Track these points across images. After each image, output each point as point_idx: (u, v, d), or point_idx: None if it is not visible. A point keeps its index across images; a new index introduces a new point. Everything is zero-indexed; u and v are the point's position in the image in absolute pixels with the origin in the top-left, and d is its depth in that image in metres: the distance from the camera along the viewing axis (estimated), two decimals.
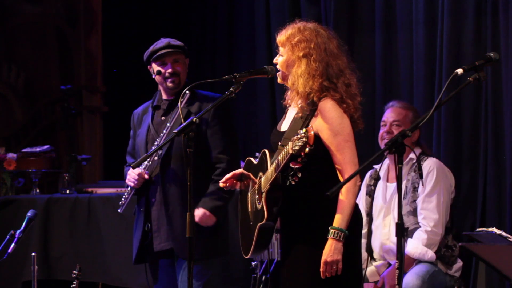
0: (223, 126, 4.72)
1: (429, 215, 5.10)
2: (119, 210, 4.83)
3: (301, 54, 3.93)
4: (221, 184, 4.09)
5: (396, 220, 5.08)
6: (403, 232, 3.43)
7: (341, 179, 3.86)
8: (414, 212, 5.16)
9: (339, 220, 3.80)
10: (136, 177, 4.67)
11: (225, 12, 7.59)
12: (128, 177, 4.72)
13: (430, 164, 5.19)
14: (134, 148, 4.93)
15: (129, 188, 4.75)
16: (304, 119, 3.91)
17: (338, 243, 3.78)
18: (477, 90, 5.66)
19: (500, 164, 5.53)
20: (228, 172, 4.09)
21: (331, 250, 3.79)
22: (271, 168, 3.87)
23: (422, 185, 5.14)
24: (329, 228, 3.80)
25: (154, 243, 4.70)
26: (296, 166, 3.86)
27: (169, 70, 4.76)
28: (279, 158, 3.79)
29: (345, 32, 6.42)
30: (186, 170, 3.88)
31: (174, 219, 4.63)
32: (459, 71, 3.51)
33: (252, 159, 4.16)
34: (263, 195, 3.88)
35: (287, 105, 4.09)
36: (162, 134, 4.70)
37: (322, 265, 3.79)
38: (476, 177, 5.55)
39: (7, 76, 8.40)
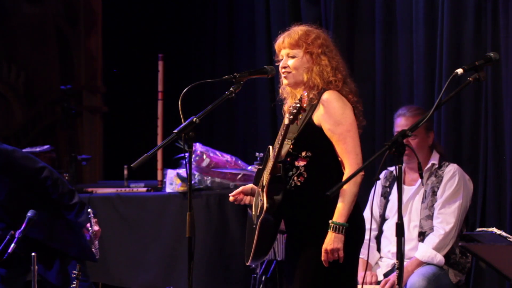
0: None
1: (446, 219, 5.08)
2: None
3: (320, 50, 3.97)
4: (230, 199, 4.07)
5: (413, 223, 5.15)
6: (403, 232, 3.43)
7: (344, 170, 3.86)
8: (432, 217, 5.14)
9: (340, 210, 3.80)
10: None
11: (225, 12, 7.58)
12: None
13: (452, 170, 5.17)
14: None
15: None
16: (308, 109, 3.90)
17: (338, 234, 3.80)
18: (477, 90, 5.65)
19: (500, 164, 5.52)
20: None
21: (331, 239, 3.80)
22: (270, 157, 3.85)
23: (440, 190, 5.13)
24: (329, 221, 3.81)
25: None
26: (301, 164, 3.85)
27: None
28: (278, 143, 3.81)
29: (345, 32, 6.41)
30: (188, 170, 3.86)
31: None
32: (459, 71, 3.51)
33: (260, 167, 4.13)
34: (264, 188, 3.85)
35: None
36: None
37: (323, 253, 3.81)
38: (476, 177, 5.54)
39: (7, 76, 8.39)
